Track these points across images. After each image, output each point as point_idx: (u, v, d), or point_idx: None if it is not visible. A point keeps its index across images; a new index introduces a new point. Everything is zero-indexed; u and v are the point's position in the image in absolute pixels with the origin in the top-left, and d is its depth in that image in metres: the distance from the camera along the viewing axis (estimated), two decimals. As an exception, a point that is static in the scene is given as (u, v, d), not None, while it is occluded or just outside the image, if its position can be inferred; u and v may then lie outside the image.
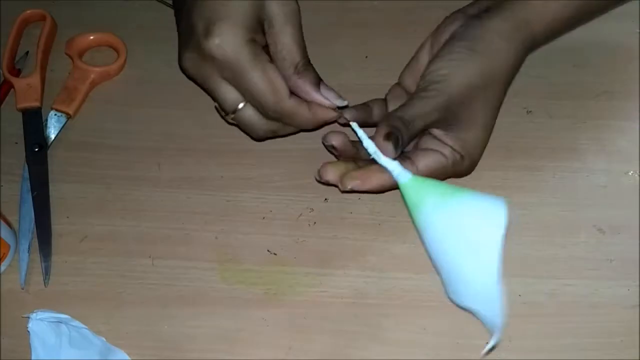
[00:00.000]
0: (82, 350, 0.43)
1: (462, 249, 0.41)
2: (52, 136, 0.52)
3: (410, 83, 0.49)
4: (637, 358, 0.43)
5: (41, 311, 0.43)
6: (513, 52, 0.46)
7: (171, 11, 0.57)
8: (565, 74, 0.54)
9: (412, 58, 0.49)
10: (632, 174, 0.50)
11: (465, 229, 0.42)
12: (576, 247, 0.47)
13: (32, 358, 0.43)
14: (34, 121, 0.52)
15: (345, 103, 0.46)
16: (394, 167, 0.44)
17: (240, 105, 0.45)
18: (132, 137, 0.52)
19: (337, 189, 0.48)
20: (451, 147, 0.46)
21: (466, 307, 0.43)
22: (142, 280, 0.46)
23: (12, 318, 0.45)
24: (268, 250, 0.47)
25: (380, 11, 0.57)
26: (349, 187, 0.45)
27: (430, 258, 0.44)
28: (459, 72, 0.45)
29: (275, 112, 0.45)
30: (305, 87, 0.45)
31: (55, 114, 0.52)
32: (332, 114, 0.46)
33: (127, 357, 0.44)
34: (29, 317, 0.43)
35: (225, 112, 0.46)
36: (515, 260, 0.47)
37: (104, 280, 0.46)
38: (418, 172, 0.46)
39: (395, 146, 0.44)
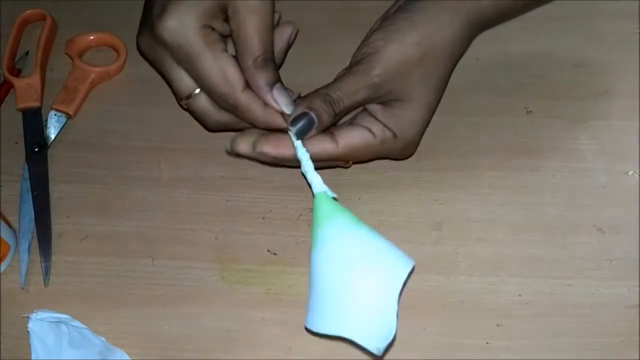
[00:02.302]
0: (82, 350, 0.43)
1: (354, 277, 0.40)
2: (52, 136, 0.52)
3: None
4: (637, 358, 0.43)
5: (41, 311, 0.43)
6: (457, 26, 0.44)
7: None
8: (565, 74, 0.54)
9: (363, 39, 0.46)
10: (632, 174, 0.50)
11: (366, 261, 0.40)
12: (576, 247, 0.47)
13: (32, 358, 0.43)
14: (34, 121, 0.52)
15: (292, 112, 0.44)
16: (316, 181, 0.43)
17: (195, 92, 0.44)
18: (132, 137, 0.52)
19: (337, 189, 0.48)
20: (383, 124, 0.45)
21: (333, 333, 0.40)
22: (142, 280, 0.46)
23: (12, 318, 0.45)
24: (268, 250, 0.47)
25: (380, 11, 0.57)
26: (258, 150, 0.44)
27: (311, 273, 0.42)
28: (393, 44, 0.43)
29: (227, 103, 0.44)
30: (259, 83, 0.43)
31: (55, 114, 0.52)
32: (281, 122, 0.44)
33: (127, 357, 0.44)
34: (28, 317, 0.43)
35: (179, 98, 0.45)
36: (515, 260, 0.47)
37: (104, 280, 0.46)
38: (338, 150, 0.44)
39: (304, 129, 0.43)
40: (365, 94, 0.44)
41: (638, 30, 0.56)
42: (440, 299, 0.45)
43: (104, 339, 0.44)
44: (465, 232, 0.48)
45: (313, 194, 0.43)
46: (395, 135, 0.45)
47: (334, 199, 0.43)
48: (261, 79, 0.43)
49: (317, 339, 0.44)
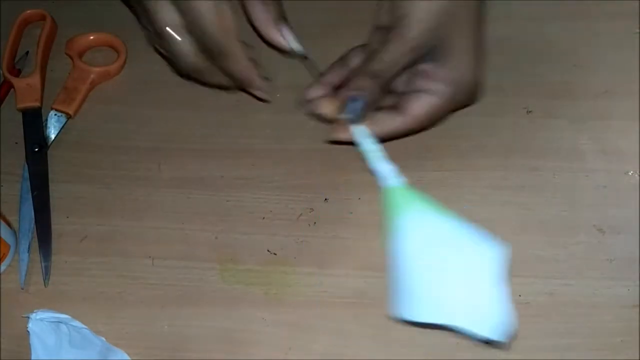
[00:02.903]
0: (82, 350, 0.43)
1: (455, 264, 0.41)
2: (52, 136, 0.52)
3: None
4: (637, 358, 0.43)
5: (41, 311, 0.43)
6: None
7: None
8: (565, 74, 0.54)
9: None
10: (632, 174, 0.50)
11: (461, 249, 0.41)
12: (576, 247, 0.47)
13: (32, 358, 0.43)
14: (34, 121, 0.52)
15: (302, 51, 0.44)
16: (390, 173, 0.44)
17: (176, 24, 0.43)
18: (132, 137, 0.52)
19: (337, 189, 0.48)
20: (442, 80, 0.45)
21: (435, 322, 0.41)
22: (142, 280, 0.46)
23: (12, 318, 0.45)
24: (268, 250, 0.47)
25: (380, 11, 0.57)
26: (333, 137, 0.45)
27: (395, 262, 0.43)
28: (421, 1, 0.43)
29: (215, 48, 0.43)
30: (268, 17, 0.44)
31: (55, 114, 0.52)
32: (258, 82, 0.44)
33: (127, 357, 0.44)
34: (28, 317, 0.43)
35: (155, 31, 0.44)
36: (515, 260, 0.46)
37: (104, 280, 0.46)
38: (408, 122, 0.45)
39: (358, 112, 0.44)
40: (408, 59, 0.43)
41: (638, 30, 0.56)
42: (440, 299, 0.45)
43: (104, 339, 0.44)
44: (465, 232, 0.48)
45: (383, 184, 0.44)
46: (456, 85, 0.44)
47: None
48: (271, 12, 0.44)
49: (317, 338, 0.44)
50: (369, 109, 0.45)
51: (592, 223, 0.48)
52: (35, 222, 0.48)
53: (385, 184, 0.44)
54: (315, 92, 0.47)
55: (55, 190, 0.50)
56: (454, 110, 0.47)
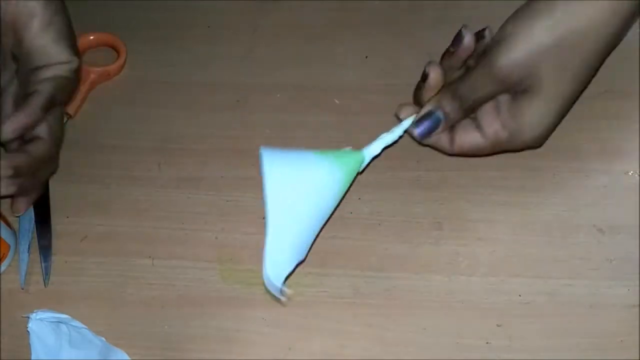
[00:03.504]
0: (82, 350, 0.43)
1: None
2: (52, 136, 0.52)
3: None
4: (637, 358, 0.43)
5: (41, 311, 0.43)
6: (605, 5, 0.39)
7: (171, 11, 0.58)
8: (565, 74, 0.54)
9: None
10: (632, 174, 0.50)
11: None
12: (576, 247, 0.47)
13: (32, 358, 0.43)
14: (34, 121, 0.52)
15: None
16: (374, 150, 0.44)
17: None
18: (132, 137, 0.52)
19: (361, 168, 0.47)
20: (502, 122, 0.43)
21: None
22: (142, 280, 0.46)
23: (12, 318, 0.45)
24: (268, 250, 0.47)
25: (380, 11, 0.57)
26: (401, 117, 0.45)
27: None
28: (522, 30, 0.40)
29: None
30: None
31: (55, 114, 0.52)
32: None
33: (127, 357, 0.44)
34: (28, 317, 0.43)
35: None
36: (515, 260, 0.47)
37: (104, 280, 0.46)
38: (451, 150, 0.45)
39: (429, 130, 0.44)
40: (492, 87, 0.42)
41: (638, 30, 0.56)
42: (440, 299, 0.45)
43: (104, 339, 0.44)
44: (465, 232, 0.48)
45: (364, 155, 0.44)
46: (510, 134, 0.43)
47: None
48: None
49: (317, 338, 0.44)
50: (444, 129, 0.44)
51: (592, 223, 0.48)
52: (35, 222, 0.48)
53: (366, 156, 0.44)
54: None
55: (55, 190, 0.50)
56: (495, 153, 0.46)
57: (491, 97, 0.43)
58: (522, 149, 0.46)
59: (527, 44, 0.40)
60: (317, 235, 0.43)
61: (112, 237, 0.48)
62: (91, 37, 0.56)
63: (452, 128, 0.46)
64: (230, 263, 0.47)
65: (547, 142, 0.51)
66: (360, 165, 0.44)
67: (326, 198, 0.42)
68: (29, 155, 0.43)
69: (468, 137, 0.45)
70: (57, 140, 0.45)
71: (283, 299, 0.41)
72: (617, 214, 0.48)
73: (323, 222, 0.43)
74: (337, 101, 0.52)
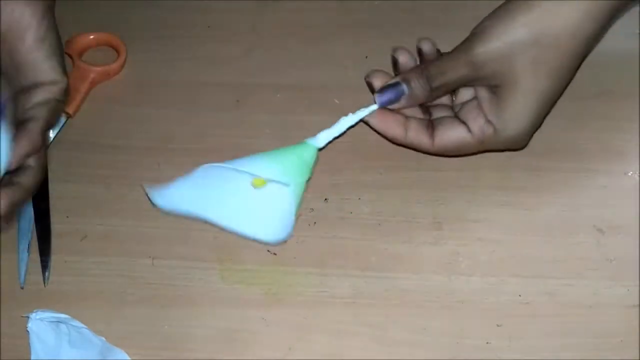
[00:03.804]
0: (82, 350, 0.43)
1: None
2: (52, 136, 0.52)
3: None
4: (637, 358, 0.43)
5: (41, 311, 0.43)
6: (584, 5, 0.40)
7: (171, 11, 0.58)
8: (565, 74, 0.54)
9: None
10: (632, 174, 0.50)
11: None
12: (576, 247, 0.47)
13: (32, 358, 0.43)
14: (34, 121, 0.52)
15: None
16: (326, 135, 0.46)
17: None
18: (132, 137, 0.52)
19: (337, 189, 0.48)
20: (485, 117, 0.43)
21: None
22: (142, 280, 0.46)
23: (11, 318, 0.45)
24: (268, 250, 0.47)
25: (380, 11, 0.57)
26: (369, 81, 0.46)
27: None
28: (501, 23, 0.41)
29: None
30: None
31: (55, 114, 0.52)
32: None
33: (127, 357, 0.44)
34: (28, 317, 0.43)
35: None
36: (515, 260, 0.47)
37: (104, 280, 0.46)
38: (432, 148, 0.45)
39: (389, 100, 0.44)
40: (464, 72, 0.42)
41: (638, 31, 0.56)
42: (440, 299, 0.45)
43: (104, 339, 0.44)
44: (465, 232, 0.48)
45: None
46: (495, 130, 0.43)
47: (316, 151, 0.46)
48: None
49: (317, 338, 0.44)
50: (406, 104, 0.45)
51: (592, 223, 0.48)
52: (35, 221, 0.48)
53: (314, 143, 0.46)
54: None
55: (55, 190, 0.49)
56: (479, 152, 0.47)
57: (461, 83, 0.43)
58: (505, 148, 0.46)
59: (503, 36, 0.41)
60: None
61: (112, 237, 0.48)
62: (91, 37, 0.56)
63: (432, 125, 0.45)
64: (230, 263, 0.47)
65: (547, 142, 0.51)
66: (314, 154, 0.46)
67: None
68: (21, 188, 0.41)
69: (453, 132, 0.45)
70: (45, 169, 0.43)
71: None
72: (617, 214, 0.48)
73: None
74: (337, 101, 0.52)
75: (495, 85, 0.43)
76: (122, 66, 0.55)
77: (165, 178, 0.50)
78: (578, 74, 0.53)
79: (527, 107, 0.43)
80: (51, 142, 0.51)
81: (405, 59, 0.46)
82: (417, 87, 0.44)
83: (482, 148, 0.45)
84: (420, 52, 0.46)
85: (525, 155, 0.50)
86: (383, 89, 0.45)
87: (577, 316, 0.45)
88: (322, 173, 0.49)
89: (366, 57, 0.55)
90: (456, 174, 0.50)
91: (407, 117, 0.46)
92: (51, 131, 0.52)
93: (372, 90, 0.47)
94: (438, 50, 0.46)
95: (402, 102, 0.45)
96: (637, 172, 0.50)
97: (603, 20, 0.41)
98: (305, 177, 0.46)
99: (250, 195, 0.45)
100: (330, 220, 0.48)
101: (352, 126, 0.47)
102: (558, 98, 0.44)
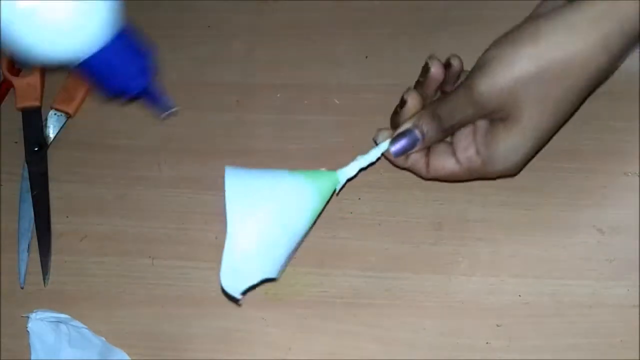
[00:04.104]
0: (82, 350, 0.43)
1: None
2: (52, 136, 0.52)
3: None
4: (637, 358, 0.43)
5: (41, 311, 0.43)
6: (593, 38, 0.37)
7: (171, 11, 0.58)
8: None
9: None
10: (632, 174, 0.50)
11: None
12: (576, 247, 0.47)
13: (32, 358, 0.43)
14: (33, 121, 0.52)
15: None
16: (348, 173, 0.44)
17: None
18: (132, 137, 0.52)
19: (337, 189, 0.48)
20: (476, 148, 0.42)
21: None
22: (142, 280, 0.46)
23: (11, 317, 0.45)
24: (268, 250, 0.47)
25: (380, 11, 0.57)
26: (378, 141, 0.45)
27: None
28: (506, 56, 0.39)
29: None
30: None
31: (55, 114, 0.52)
32: None
33: (127, 357, 0.44)
34: (28, 317, 0.43)
35: None
36: (515, 260, 0.47)
37: (104, 280, 0.46)
38: (427, 175, 0.45)
39: (405, 149, 0.44)
40: (471, 112, 0.41)
41: (638, 31, 0.56)
42: (440, 299, 0.45)
43: (104, 339, 0.44)
44: (465, 232, 0.48)
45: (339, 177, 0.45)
46: (483, 163, 0.42)
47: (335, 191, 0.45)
48: None
49: (317, 338, 0.44)
50: (420, 148, 0.44)
51: (592, 223, 0.48)
52: (35, 221, 0.48)
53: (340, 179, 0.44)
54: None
55: (55, 190, 0.50)
56: (470, 180, 0.46)
57: (470, 121, 0.42)
58: (496, 177, 0.45)
59: (509, 72, 0.39)
60: (291, 255, 0.43)
61: (112, 237, 0.48)
62: (91, 37, 0.56)
63: (428, 152, 0.45)
64: (230, 263, 0.47)
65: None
66: (336, 186, 0.44)
67: (295, 216, 0.42)
68: None
69: (443, 163, 0.44)
70: None
71: (239, 301, 0.42)
72: (617, 214, 0.48)
73: (295, 241, 0.43)
74: (337, 101, 0.52)
75: (496, 119, 0.42)
76: (122, 66, 0.55)
77: (165, 178, 0.50)
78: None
79: (525, 144, 0.41)
80: (51, 142, 0.51)
81: (413, 102, 0.44)
82: (429, 131, 0.43)
83: (473, 176, 0.45)
84: (448, 65, 0.44)
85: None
86: (396, 138, 0.44)
87: (577, 316, 0.45)
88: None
89: (366, 57, 0.55)
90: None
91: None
92: (51, 131, 0.52)
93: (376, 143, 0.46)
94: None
95: (416, 147, 0.44)
96: (637, 173, 0.50)
97: (617, 51, 0.38)
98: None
99: None
100: (330, 220, 0.48)
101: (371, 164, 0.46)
102: (557, 131, 0.43)
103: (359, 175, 0.49)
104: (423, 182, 0.49)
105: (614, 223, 0.48)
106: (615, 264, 0.46)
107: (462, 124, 0.43)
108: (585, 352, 0.44)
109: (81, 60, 0.41)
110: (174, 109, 0.46)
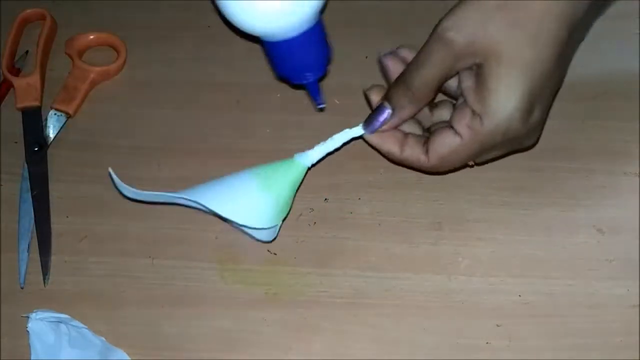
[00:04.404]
0: (82, 350, 0.43)
1: None
2: (52, 136, 0.52)
3: None
4: (637, 358, 0.43)
5: (41, 311, 0.43)
6: None
7: (171, 11, 0.58)
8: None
9: None
10: (632, 174, 0.50)
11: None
12: (576, 247, 0.47)
13: (32, 358, 0.43)
14: (33, 121, 0.52)
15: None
16: (315, 156, 0.46)
17: None
18: (132, 137, 0.52)
19: (337, 189, 0.48)
20: (472, 111, 0.39)
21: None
22: (142, 280, 0.46)
23: (11, 317, 0.45)
24: (268, 250, 0.47)
25: (380, 11, 0.57)
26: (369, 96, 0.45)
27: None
28: (479, 11, 0.37)
29: None
30: None
31: (55, 114, 0.52)
32: None
33: (127, 357, 0.44)
34: (28, 317, 0.43)
35: None
36: (515, 260, 0.47)
37: (104, 280, 0.46)
38: (429, 163, 0.43)
39: (375, 127, 0.43)
40: (439, 55, 0.38)
41: (638, 31, 0.56)
42: (440, 299, 0.45)
43: (104, 339, 0.44)
44: (465, 232, 0.48)
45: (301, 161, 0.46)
46: (482, 120, 0.38)
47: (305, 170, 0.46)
48: None
49: (317, 338, 0.44)
50: (398, 120, 0.43)
51: (592, 223, 0.48)
52: (35, 221, 0.48)
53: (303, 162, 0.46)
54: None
55: (55, 190, 0.50)
56: (502, 155, 0.44)
57: (443, 75, 0.39)
58: (509, 142, 0.41)
59: (473, 5, 0.37)
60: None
61: (112, 237, 0.48)
62: (91, 37, 0.56)
63: (427, 141, 0.43)
64: (230, 263, 0.47)
65: (547, 142, 0.51)
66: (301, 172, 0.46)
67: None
68: None
69: (443, 140, 0.41)
70: None
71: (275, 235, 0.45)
72: (617, 214, 0.48)
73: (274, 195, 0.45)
74: (337, 101, 0.52)
75: (478, 65, 0.38)
76: (122, 66, 0.55)
77: (165, 178, 0.50)
78: (578, 74, 0.53)
79: (512, 82, 0.37)
80: (51, 142, 0.51)
81: (388, 62, 0.44)
82: (399, 98, 0.41)
83: (481, 149, 0.41)
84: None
85: (525, 155, 0.50)
86: (368, 119, 0.44)
87: (577, 316, 0.45)
88: (322, 173, 0.49)
89: (366, 57, 0.55)
90: (456, 174, 0.50)
91: (406, 135, 0.45)
92: (51, 131, 0.52)
93: (370, 106, 0.45)
94: None
95: (394, 120, 0.43)
96: (637, 172, 0.50)
97: None
98: (291, 195, 0.46)
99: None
100: (330, 220, 0.48)
101: (346, 143, 0.46)
102: (554, 78, 0.39)
103: (359, 175, 0.50)
104: (423, 182, 0.49)
105: (614, 223, 0.48)
106: (615, 264, 0.46)
107: (434, 79, 0.40)
108: (585, 352, 0.44)
109: (285, 37, 0.42)
110: (324, 105, 0.47)
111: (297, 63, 0.44)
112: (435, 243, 0.47)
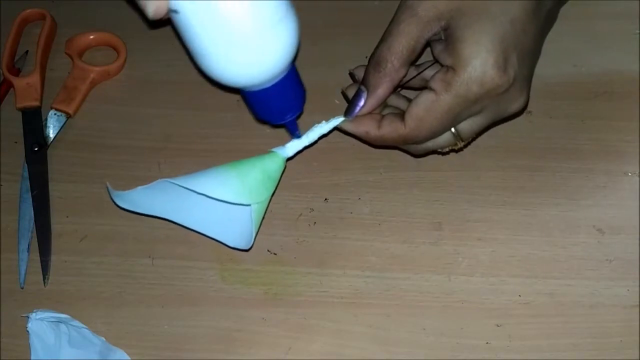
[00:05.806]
0: (82, 350, 0.43)
1: None
2: (52, 136, 0.52)
3: None
4: (637, 358, 0.44)
5: (41, 311, 0.43)
6: None
7: (171, 11, 0.58)
8: (565, 74, 0.54)
9: None
10: (632, 174, 0.50)
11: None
12: (576, 247, 0.47)
13: (32, 358, 0.43)
14: (33, 121, 0.52)
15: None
16: (295, 147, 0.46)
17: None
18: (132, 137, 0.52)
19: (337, 189, 0.48)
20: (445, 67, 0.38)
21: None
22: (142, 280, 0.46)
23: (11, 318, 0.45)
24: (268, 250, 0.47)
25: (380, 11, 0.57)
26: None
27: None
28: None
29: None
30: None
31: (55, 114, 0.52)
32: None
33: (127, 357, 0.44)
34: (28, 317, 0.43)
35: None
36: (515, 260, 0.47)
37: (104, 280, 0.46)
38: (406, 128, 0.41)
39: (353, 110, 0.43)
40: (407, 26, 0.38)
41: (638, 30, 0.56)
42: (440, 299, 0.45)
43: (104, 339, 0.44)
44: (465, 232, 0.48)
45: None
46: (455, 71, 0.37)
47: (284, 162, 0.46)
48: None
49: (317, 338, 0.44)
50: (376, 101, 0.43)
51: (591, 223, 0.48)
52: (35, 221, 0.48)
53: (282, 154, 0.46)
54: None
55: (55, 190, 0.49)
56: (495, 122, 0.43)
57: (411, 46, 0.39)
58: (484, 93, 0.38)
59: None
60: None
61: (112, 237, 0.48)
62: (91, 37, 0.56)
63: (404, 112, 0.42)
64: (230, 263, 0.47)
65: (547, 142, 0.51)
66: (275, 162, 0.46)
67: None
68: None
69: (417, 99, 0.40)
70: None
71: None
72: (617, 214, 0.48)
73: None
74: (337, 101, 0.52)
75: (445, 28, 0.38)
76: (122, 66, 0.55)
77: (165, 178, 0.50)
78: (578, 74, 0.53)
79: (479, 27, 0.36)
80: (51, 142, 0.51)
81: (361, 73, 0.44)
82: (370, 76, 0.41)
83: (458, 103, 0.38)
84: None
85: (525, 155, 0.50)
86: (348, 106, 0.44)
87: (577, 316, 0.45)
88: (322, 173, 0.49)
89: (366, 57, 0.55)
90: (456, 174, 0.50)
91: (383, 116, 0.45)
92: (51, 131, 0.52)
93: (348, 100, 0.46)
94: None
95: (371, 100, 0.42)
96: (637, 173, 0.50)
97: None
98: (270, 192, 0.45)
99: (210, 206, 0.46)
100: (330, 220, 0.48)
101: (325, 135, 0.47)
102: (529, 31, 0.37)
103: (359, 175, 0.50)
104: (423, 182, 0.49)
105: (614, 223, 0.48)
106: (615, 264, 0.46)
107: (403, 50, 0.39)
108: (585, 352, 0.44)
109: (265, 86, 0.42)
110: (300, 135, 0.47)
111: (277, 107, 0.45)
112: (435, 243, 0.47)
